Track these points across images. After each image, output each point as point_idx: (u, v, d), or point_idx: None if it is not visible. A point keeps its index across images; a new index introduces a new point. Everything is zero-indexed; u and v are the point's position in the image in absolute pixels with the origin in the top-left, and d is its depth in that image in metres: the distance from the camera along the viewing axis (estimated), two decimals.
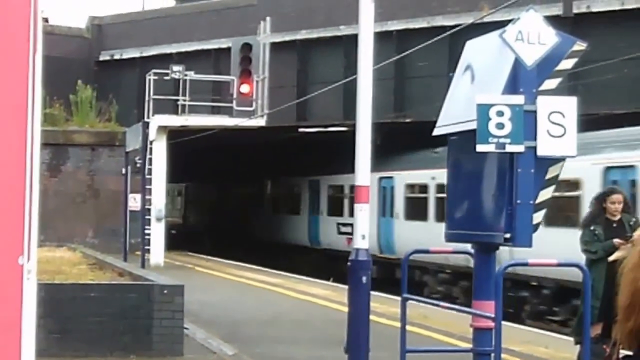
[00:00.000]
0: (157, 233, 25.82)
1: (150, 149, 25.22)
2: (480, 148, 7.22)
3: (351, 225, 26.45)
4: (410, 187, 26.19)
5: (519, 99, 7.24)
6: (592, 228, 10.56)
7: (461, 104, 7.91)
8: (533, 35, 7.24)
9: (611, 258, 10.31)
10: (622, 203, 10.69)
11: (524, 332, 14.33)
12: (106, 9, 78.71)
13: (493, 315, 7.38)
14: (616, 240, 10.34)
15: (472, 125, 7.31)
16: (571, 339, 11.07)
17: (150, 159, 25.25)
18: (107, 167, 29.89)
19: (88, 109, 30.40)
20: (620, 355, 2.79)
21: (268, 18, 26.63)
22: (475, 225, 7.74)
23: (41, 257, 14.98)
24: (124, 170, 25.71)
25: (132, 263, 19.43)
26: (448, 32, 16.33)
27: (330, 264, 28.73)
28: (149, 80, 26.96)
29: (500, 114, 7.19)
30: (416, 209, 25.63)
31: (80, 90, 30.38)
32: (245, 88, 23.83)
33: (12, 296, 3.01)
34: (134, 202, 24.86)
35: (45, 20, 33.39)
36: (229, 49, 25.19)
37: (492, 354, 7.51)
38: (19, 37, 3.09)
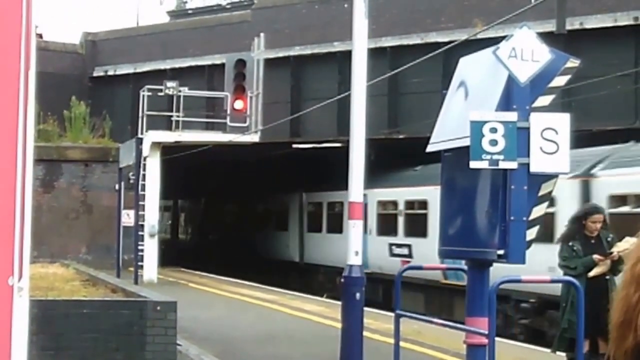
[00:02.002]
0: (150, 249, 25.76)
1: (144, 165, 25.18)
2: (473, 165, 7.22)
3: (407, 246, 24.56)
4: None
5: (512, 116, 7.24)
6: (570, 244, 10.63)
7: (455, 121, 7.92)
8: (526, 52, 7.25)
9: (591, 274, 10.37)
10: (602, 222, 10.78)
11: (517, 349, 14.30)
12: (100, 25, 78.94)
13: (486, 332, 7.37)
14: (596, 256, 10.41)
15: (466, 142, 7.32)
16: (563, 354, 11.07)
17: (144, 175, 25.21)
18: (101, 183, 29.84)
19: (82, 125, 30.38)
20: None
21: (262, 34, 26.66)
22: (468, 241, 7.73)
23: (34, 273, 14.95)
24: (117, 186, 25.66)
25: (126, 279, 19.35)
26: (442, 49, 16.36)
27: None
28: (143, 96, 26.94)
29: (493, 130, 7.19)
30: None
31: (74, 106, 30.37)
32: (239, 104, 23.83)
33: (1, 316, 3.00)
34: (128, 218, 24.80)
35: (39, 36, 33.41)
36: (222, 65, 25.20)
37: None
38: (11, 54, 3.08)
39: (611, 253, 10.37)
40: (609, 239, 10.67)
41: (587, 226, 10.66)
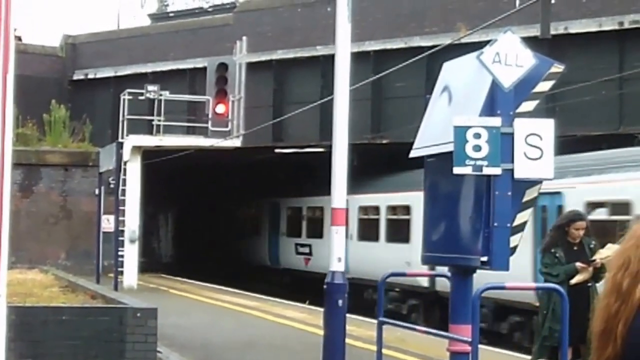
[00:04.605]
0: (130, 255, 25.56)
1: (124, 169, 25.01)
2: (457, 170, 7.15)
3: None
4: None
5: (496, 121, 7.18)
6: (552, 251, 10.60)
7: (438, 126, 7.85)
8: (510, 57, 7.19)
9: (573, 281, 10.35)
10: (584, 229, 10.76)
11: (501, 356, 14.25)
12: (80, 27, 78.59)
13: (469, 339, 7.29)
14: (578, 264, 10.40)
15: (449, 148, 7.25)
16: None
17: (124, 180, 25.03)
18: (80, 187, 29.64)
19: (61, 129, 30.17)
20: None
21: (244, 38, 26.57)
22: (452, 248, 7.67)
23: (12, 279, 14.77)
24: (97, 191, 25.47)
25: (105, 285, 19.21)
26: (425, 53, 16.30)
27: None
28: (124, 99, 26.80)
29: (477, 136, 7.12)
30: None
31: (54, 109, 30.16)
32: (220, 108, 23.71)
33: None
34: (108, 223, 24.61)
35: (19, 38, 33.20)
36: (204, 68, 25.08)
37: None
38: None
39: (594, 260, 10.34)
40: (591, 246, 10.66)
41: (570, 233, 10.64)
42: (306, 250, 30.74)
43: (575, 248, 10.60)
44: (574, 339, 9.40)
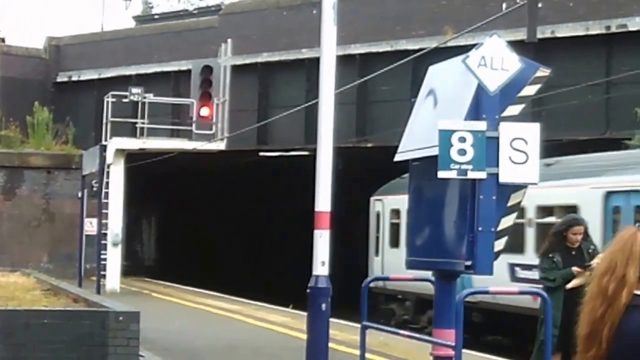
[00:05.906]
0: (113, 258, 25.45)
1: (108, 172, 24.88)
2: (441, 174, 7.12)
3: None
4: None
5: (481, 125, 7.14)
6: (550, 256, 10.59)
7: (423, 130, 7.81)
8: (496, 61, 7.15)
9: (569, 286, 10.36)
10: (583, 233, 10.75)
11: None
12: (64, 29, 78.35)
13: (453, 344, 7.26)
14: (575, 269, 10.39)
15: (434, 151, 7.22)
16: None
17: (108, 183, 24.90)
18: (63, 190, 29.51)
19: (44, 131, 30.03)
20: None
21: (229, 40, 26.50)
22: (436, 252, 7.63)
23: None
24: (80, 194, 25.35)
25: (88, 289, 19.12)
26: (411, 56, 16.30)
27: None
28: (107, 102, 26.67)
29: (462, 140, 7.08)
30: None
31: (37, 111, 30.02)
32: (205, 111, 23.62)
33: None
34: (90, 226, 24.52)
35: (2, 40, 33.09)
36: (189, 71, 25.00)
37: None
38: None
39: (590, 265, 10.31)
40: (590, 251, 10.66)
41: (568, 238, 10.65)
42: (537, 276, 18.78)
43: (573, 253, 10.61)
44: (568, 345, 9.39)
